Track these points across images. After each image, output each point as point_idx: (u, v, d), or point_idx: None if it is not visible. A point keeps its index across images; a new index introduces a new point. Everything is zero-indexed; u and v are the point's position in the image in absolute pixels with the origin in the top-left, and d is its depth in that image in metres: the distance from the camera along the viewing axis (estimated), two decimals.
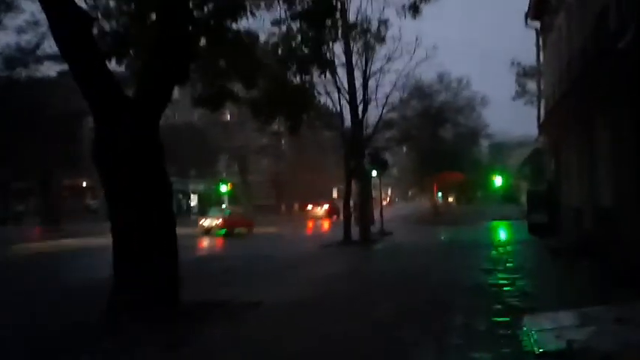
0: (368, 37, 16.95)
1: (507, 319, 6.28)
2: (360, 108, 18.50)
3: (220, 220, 26.50)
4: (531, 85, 27.48)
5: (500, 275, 9.89)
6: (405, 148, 51.69)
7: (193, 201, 54.52)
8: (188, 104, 47.20)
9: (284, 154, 66.83)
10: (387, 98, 18.39)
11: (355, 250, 16.11)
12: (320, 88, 18.47)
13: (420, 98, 33.11)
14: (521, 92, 27.67)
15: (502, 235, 21.39)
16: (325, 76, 9.50)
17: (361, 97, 18.32)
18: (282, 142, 70.94)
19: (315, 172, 56.78)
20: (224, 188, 46.81)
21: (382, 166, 22.38)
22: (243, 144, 56.79)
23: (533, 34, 22.66)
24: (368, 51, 17.72)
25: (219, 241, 24.37)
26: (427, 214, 44.44)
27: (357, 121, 18.42)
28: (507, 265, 11.25)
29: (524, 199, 43.55)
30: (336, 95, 18.32)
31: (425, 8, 13.28)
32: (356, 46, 17.80)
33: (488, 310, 6.86)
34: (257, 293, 8.79)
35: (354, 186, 19.05)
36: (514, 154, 64.00)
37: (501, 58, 46.73)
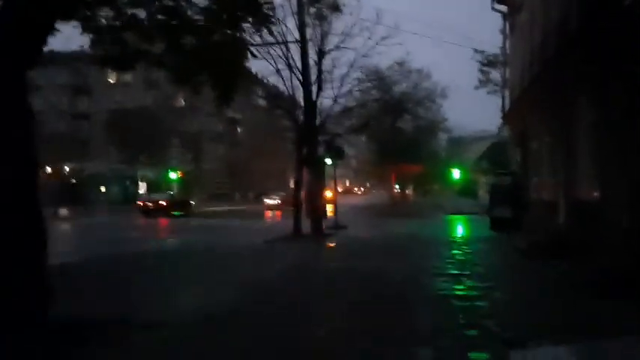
0: (321, 3, 15.18)
1: (486, 355, 4.67)
2: (314, 90, 16.71)
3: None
4: (495, 75, 26.38)
5: (467, 283, 8.33)
6: (363, 139, 50.44)
7: (142, 188, 51.70)
8: (141, 87, 44.63)
9: (240, 142, 64.62)
10: (342, 79, 16.65)
11: (303, 246, 14.37)
12: (270, 65, 16.69)
13: (379, 89, 31.50)
14: (485, 81, 26.49)
15: (463, 230, 20.09)
16: (262, 31, 7.76)
17: (315, 77, 16.50)
18: (239, 129, 68.85)
19: (272, 160, 54.89)
20: (173, 175, 44.27)
21: (337, 155, 20.68)
22: (197, 130, 54.31)
23: (498, 19, 21.47)
24: (322, 23, 15.90)
25: (158, 229, 22.43)
26: (385, 205, 43.27)
27: (310, 104, 16.62)
28: (474, 268, 9.73)
29: (482, 192, 43.05)
30: (287, 74, 16.47)
31: None
32: (309, 18, 15.98)
33: (459, 338, 5.23)
34: (167, 304, 6.97)
35: (305, 175, 17.28)
36: (472, 148, 63.92)
37: (464, 42, 45.81)
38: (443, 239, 15.89)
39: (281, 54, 16.28)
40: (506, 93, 21.54)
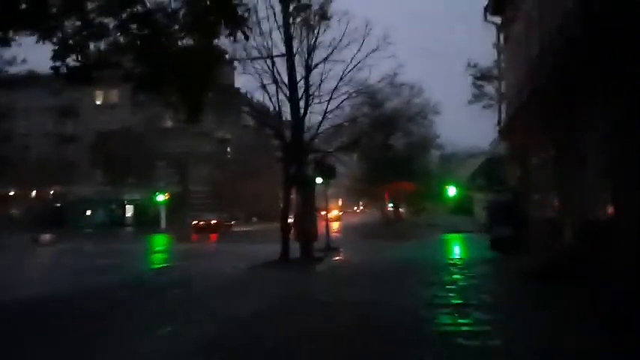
0: (308, 13, 14.39)
1: None
2: (302, 105, 15.83)
3: None
4: (489, 89, 25.70)
5: (473, 315, 7.34)
6: (355, 157, 49.64)
7: (129, 211, 50.47)
8: (128, 108, 43.43)
9: (229, 163, 63.56)
10: (331, 93, 15.78)
11: (290, 274, 13.30)
12: (255, 80, 15.83)
13: (370, 104, 30.75)
14: (479, 96, 25.79)
15: (461, 251, 19.12)
16: (236, 38, 6.93)
17: (302, 91, 15.63)
18: (228, 149, 67.87)
19: (262, 181, 53.84)
20: (161, 198, 43.10)
21: (328, 174, 19.73)
22: (183, 151, 53.28)
23: (491, 32, 20.79)
24: (310, 35, 15.10)
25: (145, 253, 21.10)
26: (378, 226, 42.29)
27: (298, 120, 15.73)
28: (479, 297, 8.74)
29: (478, 210, 42.20)
30: (273, 89, 15.60)
31: None
32: (296, 31, 15.17)
33: None
34: None
35: (294, 196, 16.31)
36: (465, 165, 63.21)
37: (456, 57, 45.32)
38: (441, 262, 14.93)
39: (267, 68, 15.46)
40: (503, 107, 20.76)
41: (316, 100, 15.96)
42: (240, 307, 8.55)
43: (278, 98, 15.69)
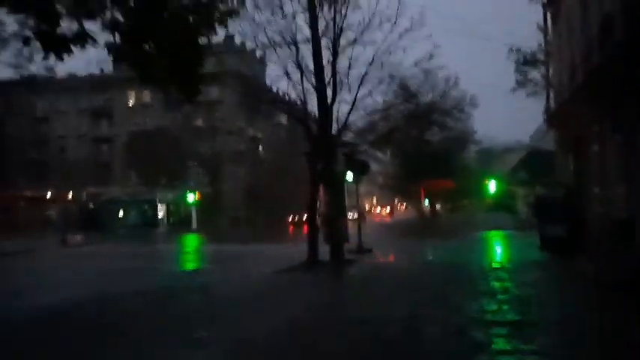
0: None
1: None
2: (330, 94, 14.46)
3: None
4: (534, 75, 23.78)
5: (539, 340, 5.85)
6: (388, 153, 47.95)
7: (161, 212, 50.15)
8: (160, 108, 42.97)
9: (261, 162, 62.68)
10: (362, 78, 14.32)
11: (318, 279, 12.00)
12: (278, 68, 14.54)
13: (404, 98, 29.11)
14: (523, 82, 23.86)
15: (506, 251, 17.41)
16: (238, 13, 5.74)
17: (329, 77, 14.25)
18: (260, 148, 67.04)
19: (296, 180, 52.73)
20: (191, 198, 42.46)
21: (361, 169, 18.33)
22: (215, 150, 52.68)
23: (537, 11, 19.02)
24: (337, 14, 13.69)
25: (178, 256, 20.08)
26: (414, 224, 40.56)
27: (325, 110, 14.37)
28: (541, 312, 7.18)
29: (519, 206, 40.01)
30: (298, 76, 14.28)
31: None
32: (322, 12, 13.80)
33: None
34: None
35: (322, 194, 14.97)
36: (503, 160, 60.75)
37: (497, 40, 42.77)
38: (486, 264, 13.34)
39: (291, 54, 14.16)
40: (551, 94, 18.95)
41: (345, 89, 14.53)
42: (252, 326, 7.27)
43: (303, 87, 14.38)
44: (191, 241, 31.62)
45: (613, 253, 9.91)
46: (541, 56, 22.97)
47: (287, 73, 14.44)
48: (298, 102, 14.75)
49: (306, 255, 14.22)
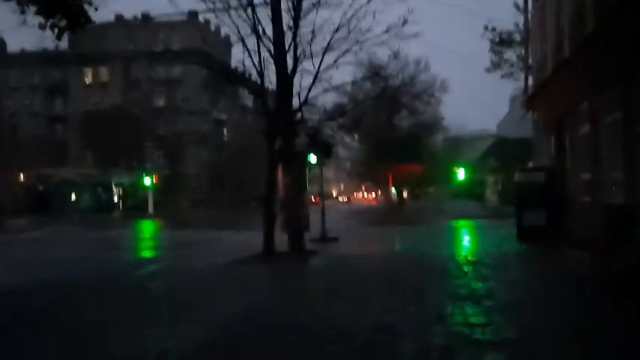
0: None
1: None
2: (290, 63, 12.77)
3: None
4: (510, 55, 22.56)
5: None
6: (357, 137, 46.57)
7: (117, 195, 47.59)
8: (119, 87, 40.40)
9: (226, 145, 60.43)
10: (327, 46, 12.66)
11: (270, 273, 10.44)
12: (232, 32, 12.75)
13: (372, 78, 27.44)
14: (497, 63, 22.61)
15: (481, 242, 16.15)
16: None
17: (290, 43, 12.52)
18: (225, 130, 64.64)
19: (263, 162, 50.71)
20: (148, 181, 40.17)
21: (325, 151, 16.78)
22: (175, 132, 50.23)
23: None
24: None
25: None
26: (381, 211, 39.39)
27: (285, 82, 12.68)
28: (551, 331, 5.65)
29: (488, 194, 39.27)
30: (254, 43, 12.53)
31: None
32: None
33: None
34: None
35: (281, 176, 13.33)
36: (472, 148, 60.33)
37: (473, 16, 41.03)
38: (459, 258, 11.98)
39: (246, 17, 12.39)
40: (529, 75, 17.72)
41: (307, 58, 12.82)
42: (189, 330, 5.68)
43: (260, 55, 12.63)
44: (145, 227, 29.63)
45: (610, 245, 8.61)
46: (518, 36, 21.78)
47: (242, 40, 12.72)
48: (254, 72, 13.01)
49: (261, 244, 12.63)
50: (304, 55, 12.69)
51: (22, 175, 49.72)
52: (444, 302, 6.78)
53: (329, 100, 13.82)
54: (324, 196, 19.78)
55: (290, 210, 13.11)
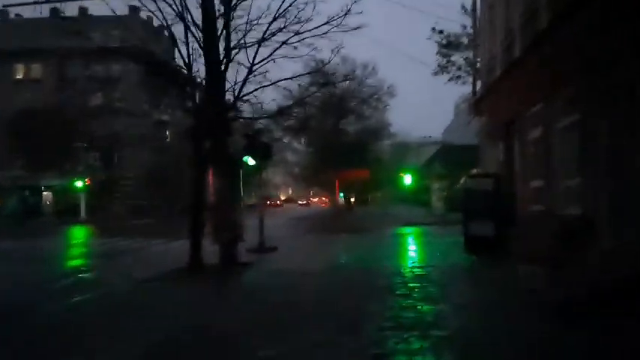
0: None
1: None
2: (222, 55, 11.50)
3: None
4: (457, 59, 22.07)
5: None
6: (303, 141, 45.59)
7: (47, 199, 44.46)
8: (52, 85, 37.11)
9: (168, 147, 57.90)
10: (262, 37, 11.46)
11: (190, 293, 9.09)
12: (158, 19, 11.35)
13: (318, 82, 26.35)
14: (444, 67, 22.08)
15: (428, 252, 15.32)
16: None
17: (221, 30, 11.27)
18: (167, 132, 61.97)
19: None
20: (79, 184, 37.60)
21: (263, 153, 15.57)
22: (110, 133, 47.52)
23: None
24: None
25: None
26: (327, 216, 38.46)
27: (215, 75, 11.39)
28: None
29: (434, 200, 39.06)
30: (180, 30, 11.21)
31: None
32: None
33: None
34: None
35: (212, 180, 12.00)
36: (418, 154, 60.67)
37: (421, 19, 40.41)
38: (405, 271, 11.05)
39: (172, 1, 11.04)
40: (477, 78, 17.16)
41: (243, 50, 11.59)
42: None
43: (188, 45, 11.30)
44: (70, 234, 27.36)
45: (565, 260, 7.82)
46: (466, 39, 21.32)
47: (168, 27, 11.36)
48: (182, 65, 11.65)
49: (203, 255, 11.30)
50: (239, 47, 11.46)
51: None
52: (385, 334, 5.70)
53: (269, 98, 12.58)
54: (263, 201, 18.56)
55: (221, 218, 11.80)
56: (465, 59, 20.85)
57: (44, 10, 43.73)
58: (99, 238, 23.86)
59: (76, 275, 12.04)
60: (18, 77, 58.89)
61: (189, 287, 9.71)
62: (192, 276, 10.61)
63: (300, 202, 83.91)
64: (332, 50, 11.85)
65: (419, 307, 7.12)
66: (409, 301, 7.56)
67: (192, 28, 11.20)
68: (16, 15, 61.20)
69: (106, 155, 45.12)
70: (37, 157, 44.59)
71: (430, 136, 65.17)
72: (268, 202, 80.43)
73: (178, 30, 11.37)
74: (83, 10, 54.85)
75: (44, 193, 43.96)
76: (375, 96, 42.38)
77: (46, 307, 8.23)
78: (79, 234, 27.66)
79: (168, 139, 60.09)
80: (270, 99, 13.60)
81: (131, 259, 15.16)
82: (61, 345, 5.88)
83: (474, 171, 14.95)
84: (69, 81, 56.02)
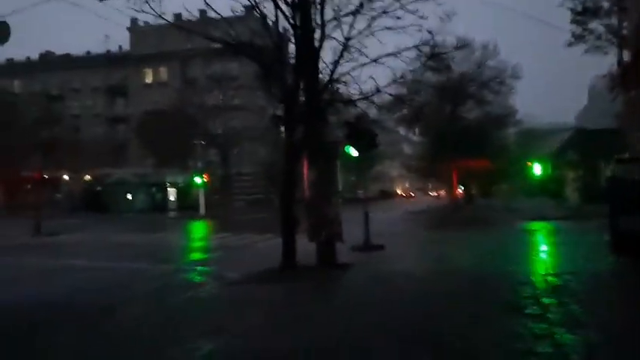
0: None
1: None
2: (318, 35, 10.26)
3: None
4: (595, 26, 18.86)
5: None
6: (417, 131, 43.28)
7: (172, 195, 46.89)
8: (177, 87, 38.74)
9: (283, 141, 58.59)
10: (359, 7, 9.98)
11: (286, 299, 7.94)
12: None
13: (434, 70, 24.17)
14: (581, 36, 18.92)
15: (564, 254, 12.86)
16: None
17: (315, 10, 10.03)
18: (282, 128, 62.88)
19: None
20: (198, 180, 38.91)
21: (368, 142, 14.15)
22: (229, 130, 48.93)
23: None
24: None
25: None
26: (445, 210, 35.99)
27: (308, 54, 10.17)
28: None
29: (569, 191, 34.98)
30: (271, 9, 10.14)
31: None
32: None
33: None
34: None
35: (307, 171, 10.81)
36: (546, 142, 55.19)
37: None
38: (536, 280, 8.98)
39: None
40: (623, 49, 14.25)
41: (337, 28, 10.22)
42: None
43: (278, 25, 10.19)
44: (188, 229, 28.04)
45: None
46: (606, 4, 18.11)
47: (255, 5, 10.34)
48: (271, 46, 10.58)
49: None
50: (336, 18, 10.09)
51: (82, 175, 50.32)
52: None
53: (373, 83, 10.91)
54: (366, 193, 17.15)
55: (316, 214, 10.58)
56: (605, 26, 17.67)
57: (168, 16, 46.09)
58: (220, 233, 23.85)
59: (166, 277, 11.38)
60: (147, 82, 63.19)
61: (280, 291, 8.57)
62: (280, 279, 9.52)
63: (404, 195, 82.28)
64: (440, 18, 10.03)
65: (557, 337, 5.25)
66: (543, 326, 5.68)
67: (282, 5, 10.04)
68: (145, 22, 65.55)
69: (223, 151, 46.52)
70: (162, 155, 47.26)
71: (554, 123, 59.28)
72: (402, 194, 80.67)
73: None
74: (203, 12, 57.42)
75: (168, 189, 46.36)
76: (497, 79, 38.76)
77: (121, 310, 7.55)
78: (193, 230, 28.30)
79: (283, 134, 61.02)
80: (377, 85, 11.87)
81: (231, 256, 14.58)
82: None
83: (625, 155, 12.28)
84: (189, 81, 59.02)
